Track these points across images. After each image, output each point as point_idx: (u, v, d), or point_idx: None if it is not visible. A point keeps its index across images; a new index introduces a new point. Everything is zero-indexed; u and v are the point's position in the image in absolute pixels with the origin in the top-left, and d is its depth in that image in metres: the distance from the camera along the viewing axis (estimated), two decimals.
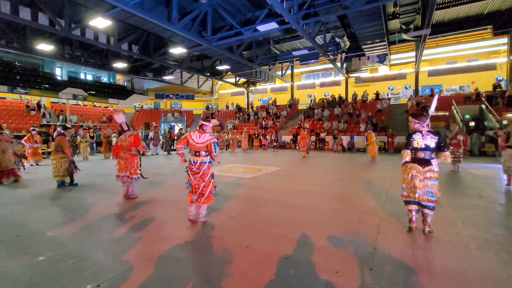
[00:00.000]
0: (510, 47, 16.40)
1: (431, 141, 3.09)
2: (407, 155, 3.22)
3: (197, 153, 3.51)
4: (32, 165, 9.46)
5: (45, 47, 13.43)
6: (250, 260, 2.59)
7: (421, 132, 3.13)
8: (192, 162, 3.53)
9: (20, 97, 20.09)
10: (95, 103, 26.06)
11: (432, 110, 3.27)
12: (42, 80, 21.15)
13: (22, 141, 9.68)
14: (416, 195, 3.13)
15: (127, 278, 2.28)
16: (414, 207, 3.20)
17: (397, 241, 2.99)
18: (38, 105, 19.78)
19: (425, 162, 3.13)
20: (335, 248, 2.83)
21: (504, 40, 16.99)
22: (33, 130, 10.03)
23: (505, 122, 12.42)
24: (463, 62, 20.86)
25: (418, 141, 3.13)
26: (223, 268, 2.43)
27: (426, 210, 3.13)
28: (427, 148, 3.11)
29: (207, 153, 3.55)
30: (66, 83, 22.39)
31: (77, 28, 11.95)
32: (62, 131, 6.23)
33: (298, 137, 17.39)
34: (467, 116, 14.13)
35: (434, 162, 3.14)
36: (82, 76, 26.62)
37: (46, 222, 3.70)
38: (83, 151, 11.92)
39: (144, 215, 3.91)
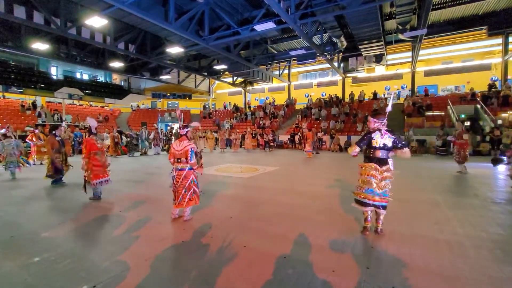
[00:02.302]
0: (505, 48, 16.59)
1: (389, 141, 3.10)
2: (354, 148, 3.23)
3: (179, 160, 3.66)
4: (34, 164, 9.36)
5: (40, 46, 13.31)
6: (248, 260, 2.59)
7: (380, 131, 3.12)
8: (174, 168, 3.69)
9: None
10: (91, 103, 25.88)
11: (389, 109, 3.27)
12: (38, 79, 20.95)
13: (27, 140, 9.65)
14: (374, 197, 3.09)
15: (123, 278, 2.26)
16: (370, 208, 3.15)
17: (394, 240, 3.00)
18: (34, 105, 19.60)
19: (383, 162, 3.13)
20: (332, 248, 2.84)
21: (499, 40, 17.17)
22: (36, 128, 9.99)
23: (499, 121, 12.57)
24: (458, 62, 21.06)
25: (377, 140, 3.10)
26: (220, 268, 2.43)
27: (380, 210, 3.11)
28: (385, 147, 3.11)
29: (186, 160, 3.67)
30: (61, 82, 22.20)
31: (73, 27, 11.86)
32: (54, 131, 6.27)
33: (298, 137, 17.47)
34: (463, 116, 14.26)
35: (390, 161, 3.16)
36: (78, 75, 26.42)
37: (41, 223, 3.67)
38: None
39: (140, 215, 3.89)
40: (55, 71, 24.36)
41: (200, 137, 15.72)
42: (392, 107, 3.32)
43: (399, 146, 3.13)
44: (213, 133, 17.13)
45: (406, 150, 3.14)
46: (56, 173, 6.12)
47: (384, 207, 3.11)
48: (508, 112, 13.41)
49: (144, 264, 2.49)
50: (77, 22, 11.52)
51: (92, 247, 2.87)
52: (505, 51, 16.56)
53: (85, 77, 26.85)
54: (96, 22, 10.75)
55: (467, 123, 14.43)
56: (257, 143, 17.57)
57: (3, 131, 9.19)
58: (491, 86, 16.43)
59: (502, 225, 3.48)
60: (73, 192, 5.40)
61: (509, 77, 16.96)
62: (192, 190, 3.67)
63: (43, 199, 4.95)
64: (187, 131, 3.78)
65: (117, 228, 3.41)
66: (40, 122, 17.36)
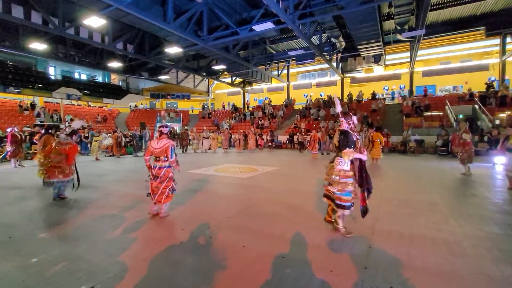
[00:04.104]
0: (503, 48, 16.67)
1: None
2: (352, 153, 3.08)
3: (157, 158, 3.78)
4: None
5: (38, 46, 13.26)
6: (246, 259, 2.59)
7: (351, 131, 3.18)
8: (153, 166, 3.82)
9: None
10: (89, 103, 25.80)
11: (338, 110, 3.34)
12: (36, 79, 20.87)
13: (34, 140, 9.61)
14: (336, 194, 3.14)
15: (122, 279, 2.26)
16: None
17: (392, 240, 3.01)
18: (32, 105, 19.52)
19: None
20: (330, 247, 2.84)
21: (497, 41, 17.25)
22: (34, 128, 9.95)
23: (497, 122, 12.62)
24: (456, 62, 21.13)
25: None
26: (219, 268, 2.43)
27: (345, 211, 3.12)
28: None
29: (166, 159, 3.79)
30: (60, 82, 22.12)
31: (71, 27, 11.82)
32: (49, 130, 6.28)
33: (297, 137, 17.47)
34: (461, 116, 14.31)
35: (340, 160, 3.17)
36: (76, 75, 26.33)
37: (39, 224, 3.65)
38: (94, 151, 11.85)
39: (139, 216, 3.88)
40: (53, 71, 24.27)
41: (204, 137, 15.72)
42: (340, 107, 3.39)
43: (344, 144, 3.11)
44: (218, 133, 17.10)
45: (348, 150, 3.07)
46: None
47: (347, 207, 3.10)
48: (506, 112, 13.47)
49: (143, 265, 2.48)
50: (75, 22, 11.48)
51: (90, 248, 2.86)
52: (503, 51, 16.65)
53: (84, 77, 26.77)
54: (94, 22, 10.72)
55: (466, 123, 14.49)
56: (256, 144, 17.57)
57: (9, 130, 9.24)
58: (488, 86, 16.51)
59: (499, 224, 3.50)
60: (71, 193, 5.35)
61: (506, 77, 17.06)
62: (170, 187, 3.81)
63: (40, 200, 4.93)
64: (168, 131, 3.93)
65: (115, 229, 3.40)
66: (38, 122, 17.31)
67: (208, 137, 15.88)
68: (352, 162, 3.12)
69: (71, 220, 3.80)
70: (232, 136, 17.30)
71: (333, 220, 3.32)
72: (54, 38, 14.27)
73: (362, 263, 2.50)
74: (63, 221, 3.76)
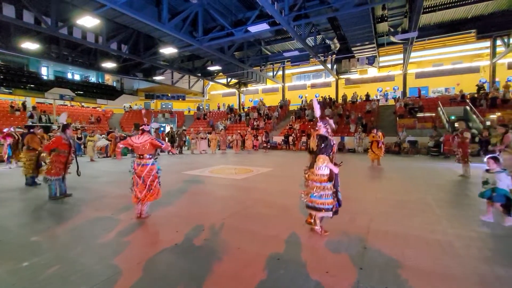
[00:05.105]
0: (493, 51, 17.02)
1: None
2: (328, 162, 3.02)
3: (141, 156, 3.80)
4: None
5: (30, 45, 13.05)
6: (241, 261, 2.58)
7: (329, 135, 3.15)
8: (136, 164, 3.81)
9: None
10: (83, 104, 25.48)
11: (317, 114, 3.27)
12: (27, 79, 20.55)
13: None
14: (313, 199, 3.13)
15: (115, 282, 2.23)
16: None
17: (387, 240, 3.04)
18: (24, 106, 19.20)
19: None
20: (326, 248, 2.85)
21: (487, 43, 17.62)
22: (39, 128, 9.81)
23: (488, 123, 12.86)
24: (448, 64, 21.50)
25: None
26: (213, 271, 2.41)
27: (329, 214, 3.12)
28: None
29: (150, 156, 3.83)
30: (52, 83, 21.82)
31: (64, 27, 11.67)
32: (32, 130, 6.39)
33: (292, 138, 17.52)
34: (453, 117, 14.55)
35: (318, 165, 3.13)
36: (69, 75, 26.02)
37: (30, 226, 3.59)
38: (89, 151, 11.67)
39: (133, 218, 3.84)
40: (45, 71, 23.93)
41: (202, 138, 15.65)
42: (319, 111, 3.27)
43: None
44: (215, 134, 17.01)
45: (322, 156, 3.03)
46: (35, 172, 6.13)
47: (329, 210, 3.09)
48: (496, 113, 13.74)
49: (136, 268, 2.46)
50: (69, 21, 11.34)
51: (83, 251, 2.82)
52: (493, 54, 17.00)
53: (77, 77, 26.46)
54: (88, 22, 10.60)
55: (456, 124, 14.75)
56: (251, 144, 17.57)
57: (6, 130, 9.11)
58: (479, 88, 16.84)
59: (490, 224, 3.56)
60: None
61: (497, 79, 17.40)
62: (155, 184, 3.83)
63: (32, 202, 4.84)
64: (150, 129, 4.01)
65: (108, 231, 3.36)
66: (30, 123, 17.01)
67: (205, 138, 15.83)
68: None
69: (64, 222, 3.74)
70: (228, 137, 17.26)
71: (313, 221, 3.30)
72: (47, 37, 14.07)
73: (358, 263, 2.51)
74: (55, 223, 3.70)
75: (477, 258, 2.63)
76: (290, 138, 17.45)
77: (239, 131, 18.08)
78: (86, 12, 10.44)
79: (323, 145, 3.03)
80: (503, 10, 13.98)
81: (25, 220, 3.85)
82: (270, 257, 2.63)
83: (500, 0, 13.09)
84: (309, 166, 3.26)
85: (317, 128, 3.22)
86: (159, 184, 3.93)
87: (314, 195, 3.11)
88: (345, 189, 5.89)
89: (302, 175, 3.40)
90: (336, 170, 3.07)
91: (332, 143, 3.08)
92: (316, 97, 24.33)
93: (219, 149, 16.25)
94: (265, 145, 16.78)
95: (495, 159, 3.62)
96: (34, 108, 19.99)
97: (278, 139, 18.73)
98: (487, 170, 3.62)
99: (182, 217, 3.92)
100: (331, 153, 3.08)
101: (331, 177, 3.08)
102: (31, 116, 17.83)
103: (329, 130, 3.16)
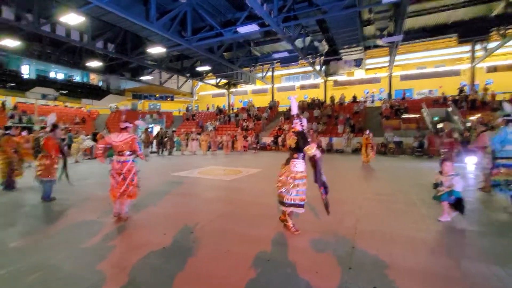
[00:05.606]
0: (473, 55, 17.74)
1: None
2: (315, 146, 3.17)
3: (120, 153, 3.75)
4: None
5: (10, 42, 12.50)
6: (230, 264, 2.56)
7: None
8: (116, 161, 3.75)
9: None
10: (67, 104, 24.69)
11: (294, 111, 3.42)
12: (7, 78, 19.72)
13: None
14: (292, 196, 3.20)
15: None
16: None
17: (374, 240, 3.09)
18: (3, 105, 18.39)
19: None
20: (315, 249, 2.88)
21: (467, 48, 18.34)
22: (23, 130, 9.37)
23: (468, 124, 13.37)
24: (431, 67, 22.25)
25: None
26: (202, 274, 2.38)
27: (300, 209, 3.22)
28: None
29: (130, 153, 3.79)
30: (34, 82, 21.04)
31: (46, 24, 11.27)
32: (7, 131, 6.08)
33: (281, 139, 17.58)
34: (436, 118, 15.05)
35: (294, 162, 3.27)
36: (52, 74, 25.09)
37: (9, 232, 3.43)
38: (74, 153, 11.26)
39: (119, 221, 3.74)
40: (27, 70, 23.00)
41: (193, 139, 15.47)
42: (296, 109, 3.43)
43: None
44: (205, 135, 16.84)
45: (309, 146, 3.15)
46: (10, 176, 5.83)
47: (302, 206, 3.21)
48: (476, 114, 14.31)
49: (122, 273, 2.39)
50: (52, 18, 10.93)
51: (66, 257, 2.72)
52: (473, 58, 17.72)
53: (60, 76, 25.56)
54: (72, 19, 10.25)
55: (440, 125, 15.27)
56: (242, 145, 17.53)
57: None
58: (460, 90, 17.52)
59: (471, 222, 3.69)
60: (39, 196, 5.06)
61: (476, 82, 18.15)
62: (134, 183, 3.79)
63: (11, 206, 4.63)
64: (127, 127, 3.90)
65: (93, 236, 3.26)
66: (10, 124, 16.31)
67: (196, 139, 15.66)
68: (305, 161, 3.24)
69: (47, 227, 3.60)
70: (219, 138, 17.15)
71: (286, 218, 3.36)
72: (29, 35, 13.52)
73: (346, 263, 2.54)
74: (37, 229, 3.56)
75: (460, 256, 2.71)
76: (280, 139, 17.54)
77: (229, 132, 18.01)
78: (71, 9, 10.11)
79: (302, 140, 3.16)
80: (482, 16, 14.61)
81: (3, 225, 3.68)
82: (259, 259, 2.63)
83: (479, 7, 13.67)
84: (285, 163, 3.36)
85: (293, 126, 3.34)
86: (138, 186, 3.88)
87: (288, 191, 3.18)
88: (333, 190, 5.96)
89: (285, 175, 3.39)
90: (319, 154, 3.17)
91: (309, 138, 3.25)
92: (305, 98, 24.59)
93: (209, 150, 16.11)
94: (254, 146, 16.79)
95: (451, 163, 3.78)
96: (15, 107, 19.22)
97: (267, 140, 18.78)
98: (441, 173, 3.77)
99: (169, 219, 3.86)
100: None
101: (313, 164, 3.17)
102: (12, 117, 17.12)
103: (304, 127, 3.30)
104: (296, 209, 3.22)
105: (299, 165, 3.20)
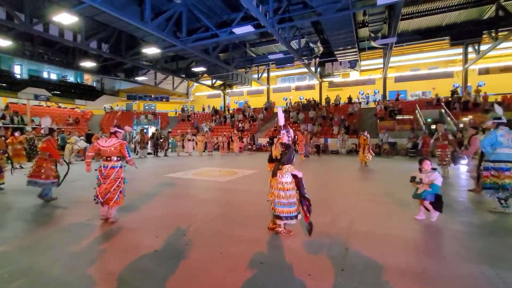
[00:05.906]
0: (465, 57, 18.01)
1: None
2: (292, 169, 3.07)
3: (108, 158, 3.70)
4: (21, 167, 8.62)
5: (1, 42, 12.31)
6: (224, 267, 2.52)
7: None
8: (103, 166, 3.69)
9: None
10: (60, 104, 24.36)
11: (281, 122, 3.36)
12: None
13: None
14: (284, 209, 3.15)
15: None
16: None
17: (367, 241, 3.08)
18: None
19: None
20: (309, 250, 2.85)
21: (460, 50, 18.61)
22: (16, 131, 9.20)
23: (461, 125, 13.54)
24: (425, 69, 22.54)
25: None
26: (195, 277, 2.34)
27: (292, 221, 3.20)
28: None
29: (118, 158, 3.75)
30: (26, 82, 20.71)
31: (39, 23, 11.11)
32: None
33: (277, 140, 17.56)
34: (429, 120, 15.21)
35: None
36: (45, 74, 24.77)
37: None
38: (66, 154, 11.09)
39: (110, 224, 3.67)
40: (19, 70, 22.66)
41: (189, 140, 15.37)
42: (283, 120, 3.36)
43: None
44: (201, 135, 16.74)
45: (285, 166, 3.06)
46: None
47: (294, 218, 3.16)
48: (469, 116, 14.51)
49: (111, 278, 2.33)
50: (44, 18, 10.78)
51: (53, 261, 2.65)
52: (465, 60, 17.99)
53: (53, 76, 25.24)
54: (65, 19, 10.10)
55: (433, 126, 15.44)
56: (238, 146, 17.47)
57: None
58: (453, 92, 17.76)
59: (463, 223, 3.72)
60: (33, 200, 4.96)
61: (469, 84, 18.42)
62: (120, 190, 3.72)
63: None
64: (116, 131, 3.84)
65: (83, 239, 3.18)
66: (0, 125, 16.03)
67: (192, 140, 15.58)
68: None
69: (34, 230, 3.52)
70: (214, 139, 17.07)
71: (275, 226, 3.31)
72: (21, 34, 13.33)
73: (340, 265, 2.52)
74: (24, 232, 3.47)
75: (452, 257, 2.72)
76: (275, 140, 17.51)
77: (224, 133, 17.97)
78: (63, 8, 9.99)
79: (287, 153, 3.08)
80: (474, 19, 14.87)
81: None
82: (253, 261, 2.60)
83: (471, 10, 13.90)
84: (272, 175, 3.26)
85: (280, 136, 3.28)
86: (123, 192, 3.82)
87: (279, 204, 3.14)
88: (327, 191, 5.99)
89: (275, 188, 3.28)
90: (300, 174, 3.15)
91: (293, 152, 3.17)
92: (300, 99, 24.67)
93: (205, 151, 16.04)
94: (250, 147, 16.76)
95: (429, 161, 3.82)
96: (6, 108, 18.88)
97: (263, 141, 18.77)
98: (420, 170, 3.80)
99: (162, 222, 3.80)
100: (293, 161, 3.12)
101: (297, 184, 3.14)
102: (3, 117, 16.82)
103: (291, 139, 3.25)
104: (290, 221, 3.19)
105: (286, 176, 3.13)
